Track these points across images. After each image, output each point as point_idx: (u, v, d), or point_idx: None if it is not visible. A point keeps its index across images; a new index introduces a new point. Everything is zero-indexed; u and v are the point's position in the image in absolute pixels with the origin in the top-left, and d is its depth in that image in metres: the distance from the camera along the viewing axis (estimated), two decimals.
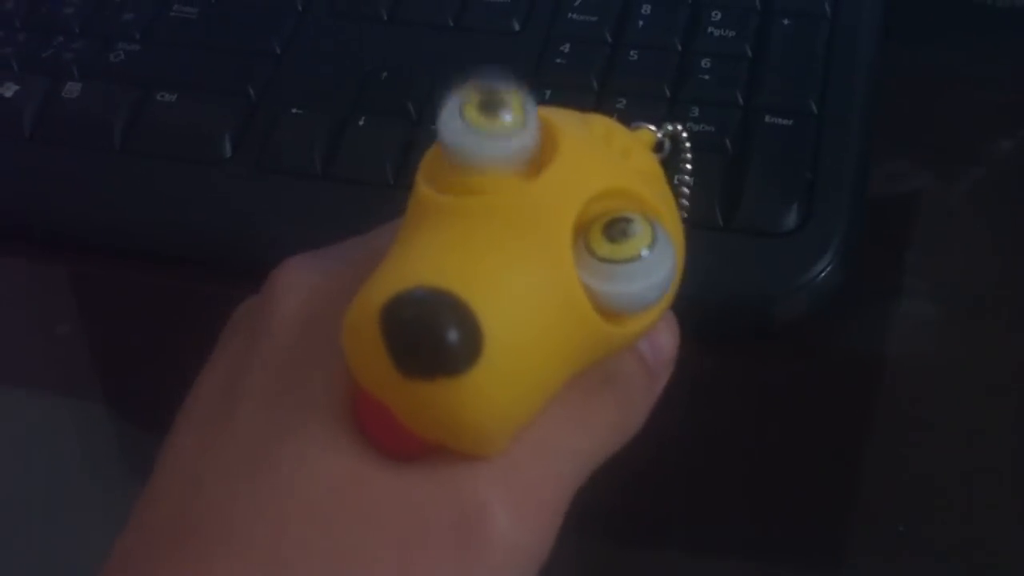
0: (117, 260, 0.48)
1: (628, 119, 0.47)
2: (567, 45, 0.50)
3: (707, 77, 0.48)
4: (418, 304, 0.23)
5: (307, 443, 0.25)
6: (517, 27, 0.51)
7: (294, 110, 0.49)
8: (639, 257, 0.25)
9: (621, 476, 0.41)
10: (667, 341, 0.30)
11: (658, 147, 0.31)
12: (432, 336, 0.23)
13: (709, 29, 0.50)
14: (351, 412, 0.26)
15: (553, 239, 0.25)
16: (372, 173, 0.47)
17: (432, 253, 0.25)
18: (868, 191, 0.46)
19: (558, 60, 0.50)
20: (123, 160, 0.49)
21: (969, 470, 0.41)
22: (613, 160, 0.27)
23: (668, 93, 0.48)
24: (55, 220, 0.49)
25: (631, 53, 0.50)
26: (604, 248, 0.25)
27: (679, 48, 0.50)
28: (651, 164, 0.28)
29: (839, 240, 0.44)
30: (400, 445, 0.25)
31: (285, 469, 0.25)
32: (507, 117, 0.25)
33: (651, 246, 0.25)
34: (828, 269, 0.43)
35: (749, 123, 0.47)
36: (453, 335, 0.23)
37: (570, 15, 0.51)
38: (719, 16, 0.50)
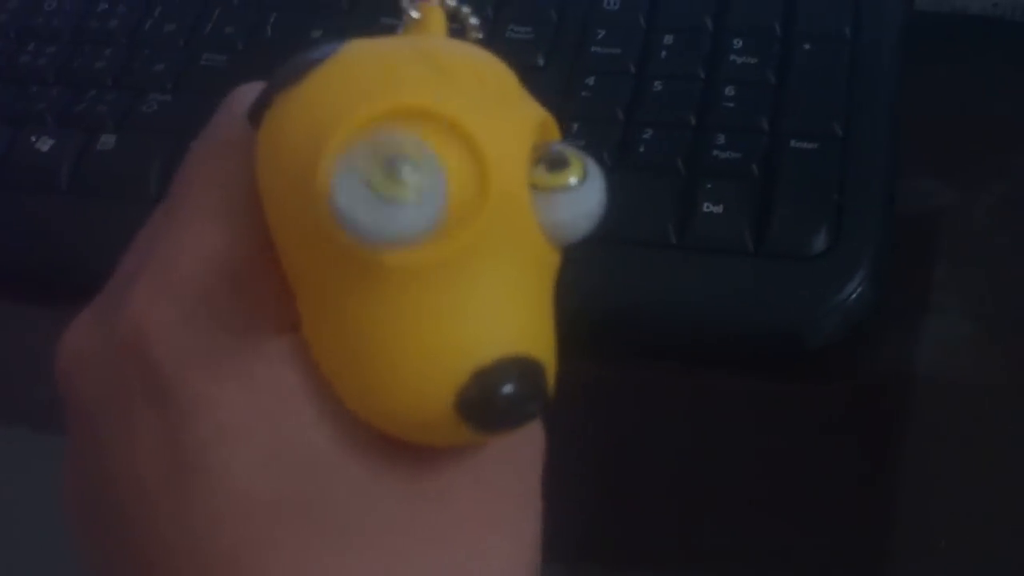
0: None
1: (653, 149, 0.47)
2: (592, 78, 0.51)
3: (731, 104, 0.49)
4: (506, 378, 0.23)
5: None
6: (541, 62, 0.52)
7: None
8: (570, 186, 0.25)
9: (659, 498, 0.41)
10: None
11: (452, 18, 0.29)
12: (525, 406, 0.24)
13: (731, 57, 0.50)
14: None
15: (530, 244, 0.25)
16: None
17: (473, 316, 0.24)
18: (895, 210, 0.46)
19: (583, 93, 0.50)
20: None
21: (1004, 487, 0.42)
22: (514, 117, 0.26)
23: (693, 121, 0.49)
24: (92, 272, 0.49)
25: (655, 83, 0.50)
26: (543, 179, 0.25)
27: (702, 76, 0.50)
28: (509, 81, 0.27)
29: (869, 261, 0.44)
30: None
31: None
32: (412, 176, 0.21)
33: (582, 176, 0.25)
34: (859, 290, 0.43)
35: (775, 148, 0.47)
36: (541, 400, 0.24)
37: (593, 48, 0.52)
38: (740, 44, 0.51)
